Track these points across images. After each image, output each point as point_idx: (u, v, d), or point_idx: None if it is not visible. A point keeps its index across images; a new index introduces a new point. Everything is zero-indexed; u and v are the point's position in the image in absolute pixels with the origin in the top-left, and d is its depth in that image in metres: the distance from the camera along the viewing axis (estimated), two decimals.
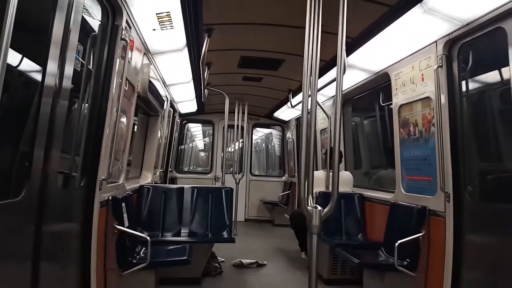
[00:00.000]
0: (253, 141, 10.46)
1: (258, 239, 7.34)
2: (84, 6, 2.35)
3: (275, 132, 10.68)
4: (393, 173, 4.25)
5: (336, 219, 4.72)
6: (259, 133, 11.22)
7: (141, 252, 3.64)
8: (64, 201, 2.46)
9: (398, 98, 4.03)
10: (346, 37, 2.40)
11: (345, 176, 5.31)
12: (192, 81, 5.54)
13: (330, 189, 2.66)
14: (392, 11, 3.13)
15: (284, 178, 9.74)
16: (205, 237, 4.53)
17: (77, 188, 2.69)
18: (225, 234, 4.57)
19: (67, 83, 2.17)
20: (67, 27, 2.07)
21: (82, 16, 2.35)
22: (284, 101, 7.43)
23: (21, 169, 1.89)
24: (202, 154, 11.65)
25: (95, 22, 2.81)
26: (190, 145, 11.44)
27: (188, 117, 9.31)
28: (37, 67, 1.95)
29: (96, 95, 2.81)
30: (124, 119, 3.43)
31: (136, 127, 5.41)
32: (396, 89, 4.06)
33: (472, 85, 3.27)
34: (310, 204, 2.39)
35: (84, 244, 2.74)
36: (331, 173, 5.15)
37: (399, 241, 3.42)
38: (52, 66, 1.97)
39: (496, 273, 2.81)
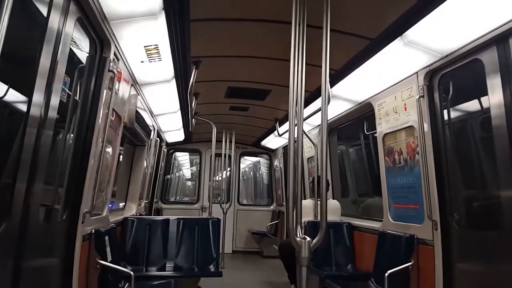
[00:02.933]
0: (241, 170, 10.42)
1: (247, 272, 7.17)
2: (72, 38, 2.37)
3: (262, 161, 10.68)
4: (381, 201, 4.26)
5: (325, 249, 4.67)
6: (247, 162, 11.21)
7: None
8: (45, 235, 2.37)
9: (382, 127, 4.11)
10: (330, 69, 2.47)
11: (333, 204, 5.30)
12: (179, 111, 5.56)
13: (319, 218, 2.64)
14: (373, 44, 3.24)
15: (272, 207, 9.66)
16: (191, 271, 4.39)
17: (59, 221, 2.61)
18: (212, 267, 4.44)
19: (52, 114, 2.15)
20: (54, 59, 2.08)
21: (70, 48, 2.36)
22: (271, 130, 7.49)
23: (2, 202, 1.83)
24: (189, 183, 11.54)
25: (83, 54, 2.83)
26: (177, 174, 11.34)
27: (175, 146, 9.26)
28: (23, 98, 1.93)
29: (82, 126, 2.79)
30: (109, 150, 3.40)
31: (121, 157, 5.36)
32: (380, 118, 4.15)
33: (454, 114, 3.35)
34: (299, 235, 2.36)
35: (65, 281, 2.63)
36: (319, 202, 5.16)
37: (389, 271, 3.38)
38: (37, 97, 1.96)
39: None
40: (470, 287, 2.94)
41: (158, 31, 3.00)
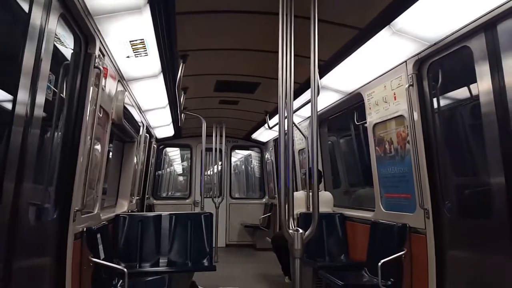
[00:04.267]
0: (232, 164, 10.41)
1: (240, 265, 7.19)
2: (56, 35, 2.32)
3: (254, 154, 10.67)
4: (372, 191, 4.29)
5: (318, 240, 4.69)
6: (238, 155, 11.20)
7: (118, 285, 3.49)
8: (36, 234, 2.35)
9: (372, 117, 4.12)
10: (319, 59, 2.45)
11: (325, 196, 5.33)
12: (168, 106, 5.51)
13: (311, 209, 2.65)
14: (361, 34, 3.24)
15: (264, 200, 9.69)
16: (185, 266, 4.38)
17: (50, 220, 2.58)
18: (205, 262, 4.43)
19: (38, 112, 2.12)
20: (38, 56, 2.03)
21: (54, 45, 2.31)
22: (262, 123, 7.47)
23: None
24: (181, 178, 11.49)
25: (67, 50, 2.77)
26: (168, 170, 11.27)
27: (165, 142, 9.20)
28: (8, 96, 1.89)
29: (69, 124, 2.75)
30: (98, 147, 3.35)
31: (111, 154, 5.30)
32: (370, 108, 4.15)
33: (443, 102, 3.37)
34: (292, 227, 2.36)
35: (58, 280, 2.61)
36: (311, 193, 5.18)
37: (382, 261, 3.41)
38: (22, 95, 1.92)
39: None
40: (462, 274, 2.98)
41: (144, 25, 2.95)
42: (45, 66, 2.15)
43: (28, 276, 2.24)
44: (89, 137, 2.90)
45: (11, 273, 1.94)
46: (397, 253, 3.48)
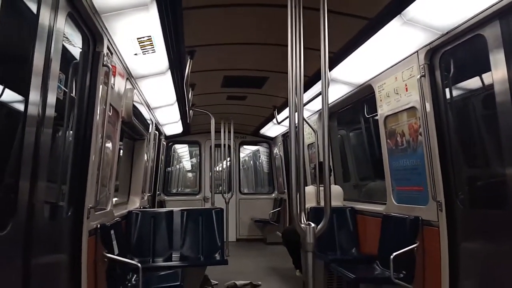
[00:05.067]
0: (241, 159, 10.42)
1: (251, 259, 7.22)
2: (64, 34, 2.33)
3: (262, 149, 10.67)
4: (382, 184, 4.25)
5: (329, 234, 4.68)
6: (246, 151, 11.21)
7: (133, 280, 3.53)
8: (51, 232, 2.38)
9: (383, 109, 4.07)
10: (329, 52, 2.43)
11: (335, 190, 5.31)
12: (176, 103, 5.52)
13: (322, 203, 2.64)
14: (371, 24, 3.18)
15: (273, 195, 9.70)
16: (197, 261, 4.43)
17: (65, 218, 2.61)
18: (217, 256, 4.47)
19: (50, 112, 2.13)
20: (48, 56, 2.04)
21: (63, 44, 2.32)
22: (270, 118, 7.45)
23: (7, 202, 1.82)
24: (190, 175, 11.55)
25: (76, 49, 2.78)
26: (177, 166, 11.33)
27: (174, 139, 9.24)
28: (19, 97, 1.91)
29: (80, 122, 2.76)
30: (109, 145, 3.37)
31: (121, 152, 5.33)
32: (381, 100, 4.11)
33: (456, 93, 3.30)
34: (303, 221, 2.36)
35: (74, 275, 2.64)
36: (321, 188, 5.16)
37: (394, 254, 3.39)
38: (34, 95, 1.93)
39: (492, 281, 2.79)
40: (476, 267, 2.95)
41: (151, 22, 2.95)
42: (55, 65, 2.16)
43: (45, 272, 2.27)
44: (100, 135, 2.92)
45: (29, 270, 1.96)
46: (409, 246, 3.45)
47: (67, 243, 2.61)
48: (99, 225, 3.08)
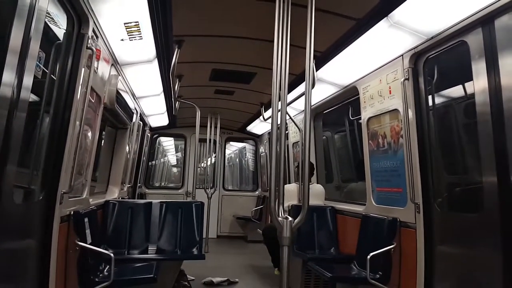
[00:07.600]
0: (226, 156, 10.37)
1: (231, 256, 7.19)
2: (48, 13, 2.26)
3: (248, 146, 10.64)
4: (363, 185, 4.28)
5: (309, 232, 4.69)
6: (233, 148, 11.16)
7: (105, 271, 3.46)
8: (20, 216, 2.30)
9: (367, 111, 4.10)
10: (315, 50, 2.42)
11: (317, 189, 5.32)
12: (162, 93, 5.45)
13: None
14: (359, 24, 3.20)
15: (257, 192, 9.68)
16: (174, 254, 4.35)
17: (35, 202, 2.54)
18: (195, 250, 4.40)
19: (25, 94, 2.06)
20: (27, 35, 1.97)
21: (46, 24, 2.25)
22: (257, 115, 7.43)
23: None
24: (175, 169, 11.45)
25: (60, 30, 2.71)
26: (162, 160, 11.22)
27: (159, 131, 9.14)
28: None
29: (58, 105, 2.70)
30: (89, 131, 3.31)
31: (103, 141, 5.24)
32: (365, 102, 4.13)
33: (438, 98, 3.35)
34: (281, 215, 2.35)
35: (42, 263, 2.57)
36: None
37: (371, 254, 3.41)
38: (8, 75, 1.86)
39: (467, 282, 2.83)
40: (451, 269, 2.99)
41: (138, 7, 2.90)
42: (35, 45, 2.09)
43: (11, 258, 2.20)
44: (79, 119, 2.84)
45: None
46: (386, 246, 3.48)
47: (37, 229, 2.53)
48: (72, 212, 3.01)
